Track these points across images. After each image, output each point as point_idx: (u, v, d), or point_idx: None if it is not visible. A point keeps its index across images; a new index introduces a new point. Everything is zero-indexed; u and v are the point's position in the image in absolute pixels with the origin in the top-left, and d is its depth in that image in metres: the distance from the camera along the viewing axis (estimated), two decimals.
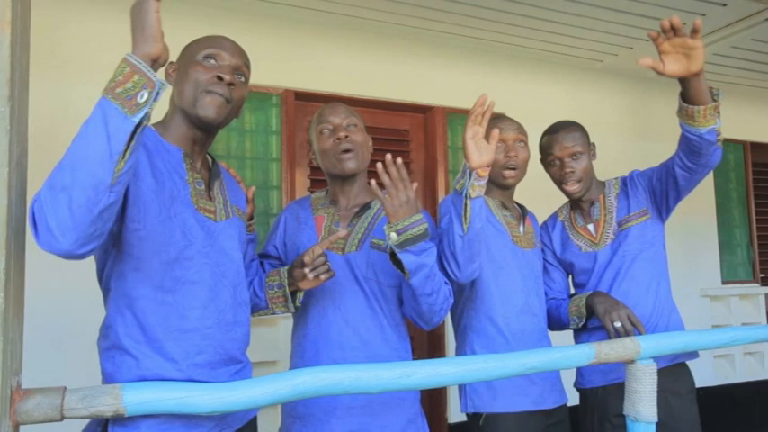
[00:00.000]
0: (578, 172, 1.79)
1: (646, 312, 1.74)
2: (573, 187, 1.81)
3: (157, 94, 0.94)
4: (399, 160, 1.32)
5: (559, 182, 1.84)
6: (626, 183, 1.87)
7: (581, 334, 1.84)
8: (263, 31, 2.75)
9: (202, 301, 1.16)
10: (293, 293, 1.45)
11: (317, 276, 1.36)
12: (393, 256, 1.36)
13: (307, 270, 1.33)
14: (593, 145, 1.87)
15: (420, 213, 1.33)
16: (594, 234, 1.84)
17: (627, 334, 1.59)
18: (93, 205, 0.91)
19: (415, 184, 1.34)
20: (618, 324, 1.61)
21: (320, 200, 1.65)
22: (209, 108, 1.18)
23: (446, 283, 1.47)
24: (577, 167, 1.79)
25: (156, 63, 0.96)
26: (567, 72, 3.54)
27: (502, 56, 3.33)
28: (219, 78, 1.19)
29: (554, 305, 1.84)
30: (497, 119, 1.78)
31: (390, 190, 1.32)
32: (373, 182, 1.34)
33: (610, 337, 1.62)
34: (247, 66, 1.28)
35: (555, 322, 1.85)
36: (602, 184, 1.90)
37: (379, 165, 1.31)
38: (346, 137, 1.52)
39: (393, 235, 1.31)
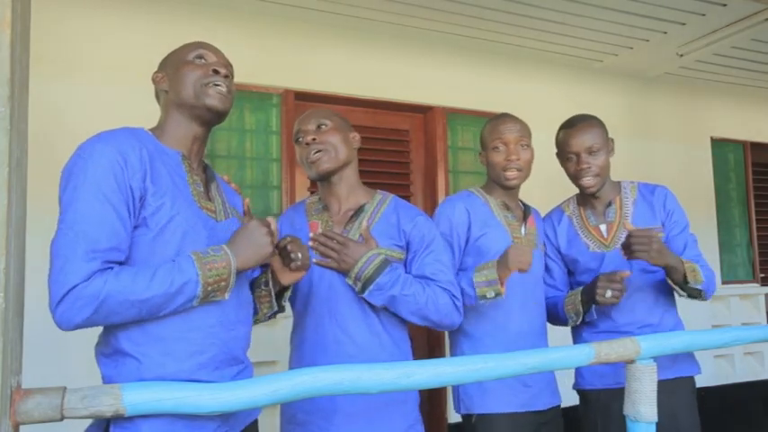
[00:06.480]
0: (595, 168, 1.76)
1: (641, 317, 1.76)
2: (589, 182, 1.77)
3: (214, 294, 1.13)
4: (319, 238, 1.49)
5: (575, 177, 1.81)
6: (650, 194, 1.84)
7: (581, 332, 1.84)
8: (263, 31, 2.75)
9: None
10: (279, 294, 1.42)
11: (293, 263, 1.33)
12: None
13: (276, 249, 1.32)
14: (612, 140, 1.83)
15: (369, 251, 1.46)
16: (606, 235, 1.82)
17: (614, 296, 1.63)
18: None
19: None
20: (608, 294, 1.62)
21: (314, 204, 1.63)
22: (215, 98, 1.23)
23: (445, 289, 1.50)
24: (594, 163, 1.76)
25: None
26: (567, 72, 3.54)
27: (502, 56, 3.33)
28: (215, 72, 1.24)
29: (551, 302, 1.83)
30: (500, 118, 1.77)
31: (329, 255, 1.47)
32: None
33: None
34: (231, 66, 1.32)
35: (554, 319, 1.84)
36: (617, 184, 1.88)
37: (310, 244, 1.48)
38: (313, 139, 1.53)
39: (358, 284, 1.45)
